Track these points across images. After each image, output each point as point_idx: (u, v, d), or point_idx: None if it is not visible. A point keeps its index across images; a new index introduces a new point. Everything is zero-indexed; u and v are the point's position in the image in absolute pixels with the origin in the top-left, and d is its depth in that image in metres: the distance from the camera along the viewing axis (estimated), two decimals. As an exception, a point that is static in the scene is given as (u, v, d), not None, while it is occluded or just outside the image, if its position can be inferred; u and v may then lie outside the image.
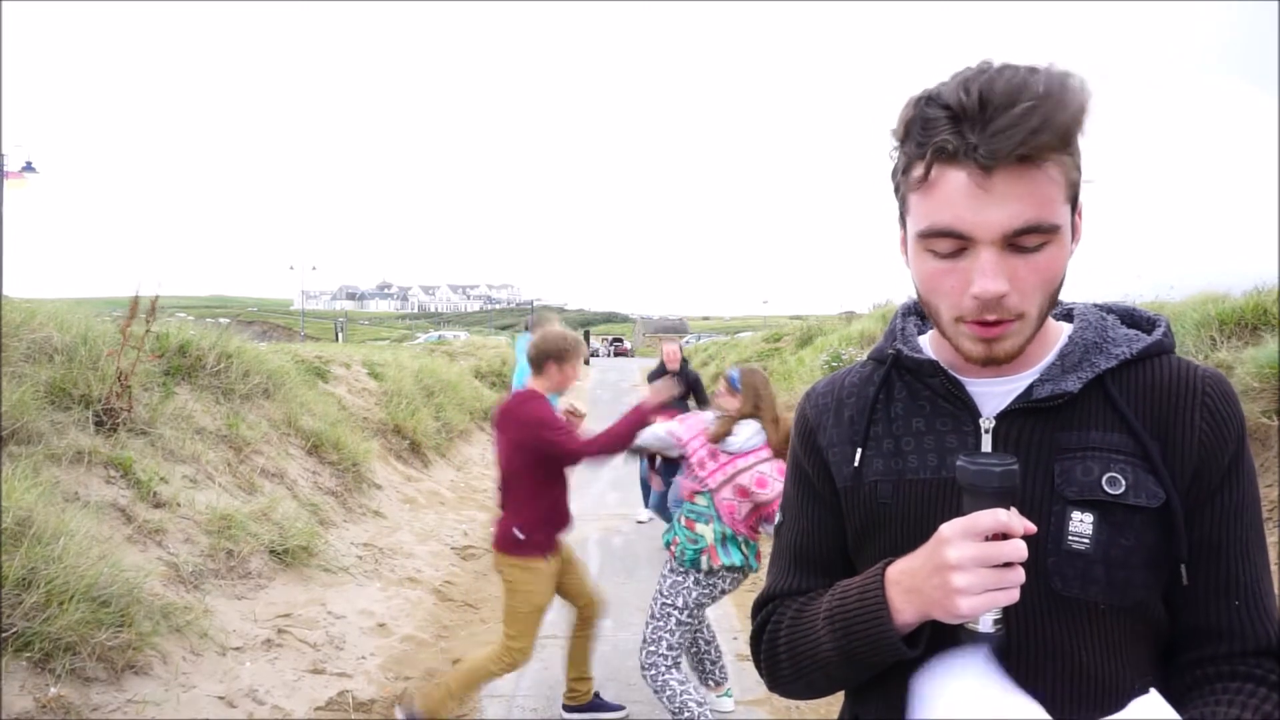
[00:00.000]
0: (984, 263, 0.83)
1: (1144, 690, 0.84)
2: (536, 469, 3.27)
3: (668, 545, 3.33)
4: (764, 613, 1.09)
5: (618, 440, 3.27)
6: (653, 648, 3.21)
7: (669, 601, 3.25)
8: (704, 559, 3.18)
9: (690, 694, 3.14)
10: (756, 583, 3.31)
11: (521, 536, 3.25)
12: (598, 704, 3.72)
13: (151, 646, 3.28)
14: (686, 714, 3.09)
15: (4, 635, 2.79)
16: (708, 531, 3.19)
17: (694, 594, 3.23)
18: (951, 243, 0.85)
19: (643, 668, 3.23)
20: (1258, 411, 4.20)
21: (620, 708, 3.73)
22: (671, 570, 3.30)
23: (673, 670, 3.18)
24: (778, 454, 3.20)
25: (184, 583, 3.89)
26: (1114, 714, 0.83)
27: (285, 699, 3.52)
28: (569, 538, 3.51)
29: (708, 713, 3.13)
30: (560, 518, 3.39)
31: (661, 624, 3.23)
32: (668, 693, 3.14)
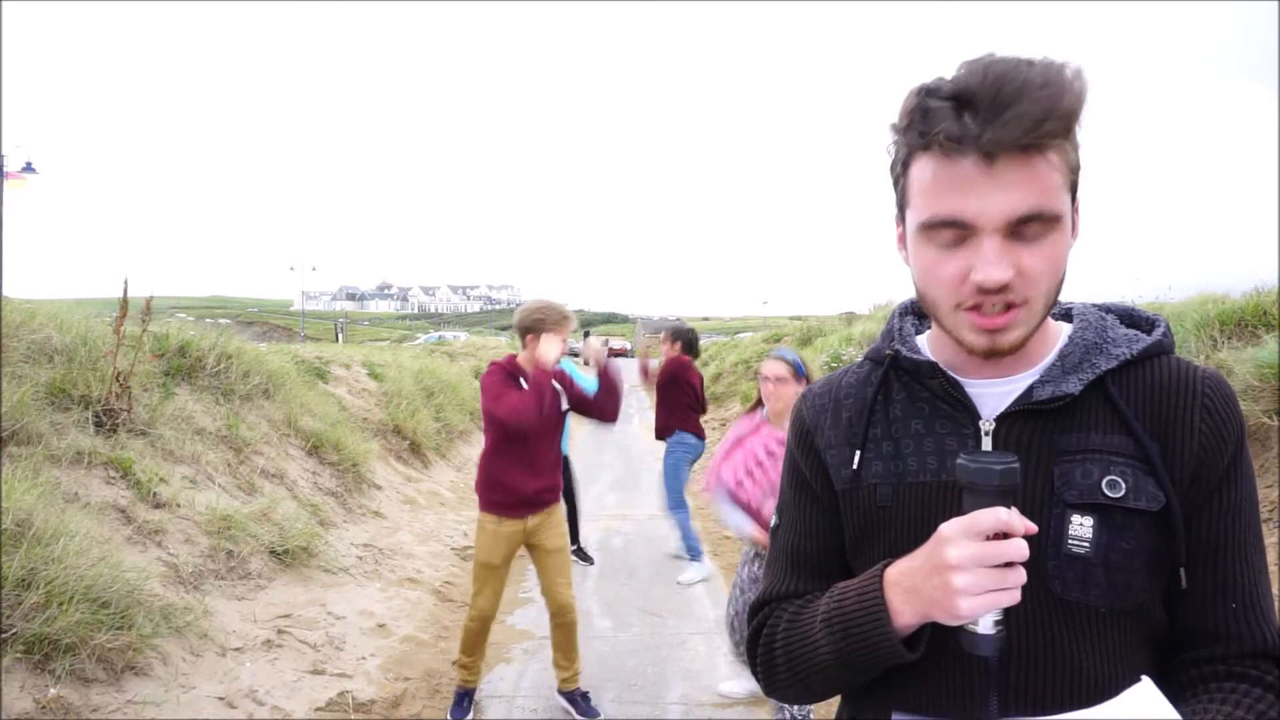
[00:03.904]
0: (987, 250, 0.83)
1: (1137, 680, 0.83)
2: (488, 433, 3.54)
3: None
4: (760, 616, 1.07)
5: (526, 409, 3.33)
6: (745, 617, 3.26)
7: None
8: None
9: None
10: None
11: (477, 493, 3.57)
12: (575, 700, 3.70)
13: (151, 647, 3.28)
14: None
15: (4, 635, 2.79)
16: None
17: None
18: (954, 232, 0.85)
19: (732, 629, 3.36)
20: (1258, 412, 4.18)
21: (595, 714, 3.67)
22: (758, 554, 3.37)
23: None
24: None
25: (184, 583, 3.89)
26: (1105, 701, 0.82)
27: (285, 699, 3.52)
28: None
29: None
30: (505, 491, 3.49)
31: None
32: None
